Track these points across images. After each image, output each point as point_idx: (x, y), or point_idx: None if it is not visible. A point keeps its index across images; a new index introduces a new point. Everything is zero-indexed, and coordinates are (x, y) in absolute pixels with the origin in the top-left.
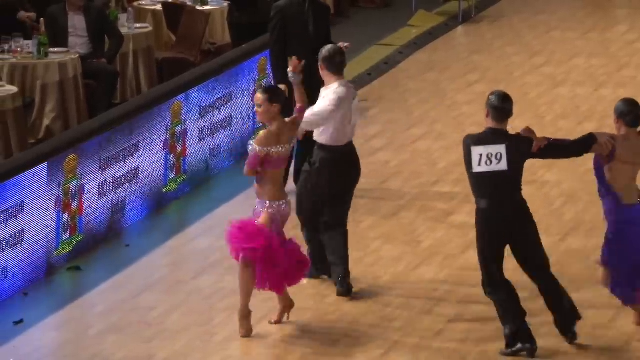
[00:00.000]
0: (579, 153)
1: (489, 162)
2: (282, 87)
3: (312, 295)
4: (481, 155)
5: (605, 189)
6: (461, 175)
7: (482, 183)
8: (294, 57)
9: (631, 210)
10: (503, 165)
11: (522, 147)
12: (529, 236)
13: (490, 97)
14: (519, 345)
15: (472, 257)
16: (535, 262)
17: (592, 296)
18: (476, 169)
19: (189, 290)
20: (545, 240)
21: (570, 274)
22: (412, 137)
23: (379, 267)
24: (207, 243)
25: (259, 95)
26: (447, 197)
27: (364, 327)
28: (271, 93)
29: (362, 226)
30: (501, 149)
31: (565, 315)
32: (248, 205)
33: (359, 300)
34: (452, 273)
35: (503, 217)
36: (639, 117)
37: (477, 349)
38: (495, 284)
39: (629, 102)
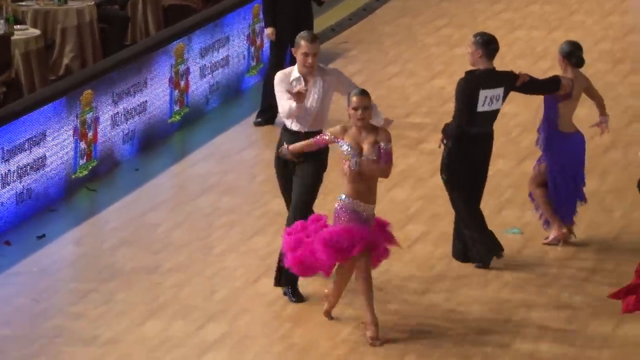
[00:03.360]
0: (551, 90)
1: (490, 102)
2: (269, 31)
3: None
4: (486, 97)
5: (549, 121)
6: (430, 108)
7: (481, 118)
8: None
9: (568, 137)
10: (499, 105)
11: (510, 83)
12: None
13: (477, 37)
14: (492, 256)
15: (440, 180)
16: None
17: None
18: (480, 109)
19: (190, 209)
20: (504, 165)
21: (525, 195)
22: (387, 74)
23: None
24: (206, 168)
25: (368, 100)
26: (418, 127)
27: None
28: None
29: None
30: (500, 91)
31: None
32: (243, 136)
33: None
34: (422, 194)
35: (488, 144)
36: (582, 58)
37: (444, 260)
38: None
39: (573, 44)
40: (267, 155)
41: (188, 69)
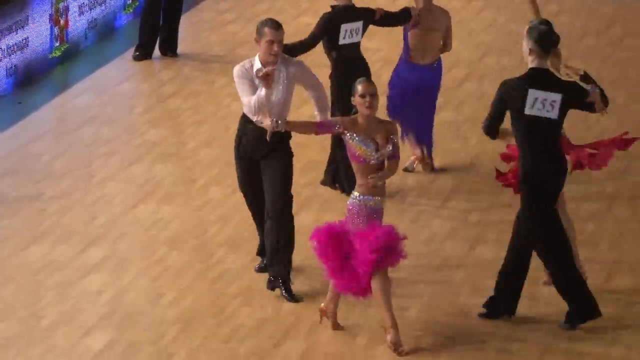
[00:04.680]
0: (404, 21)
1: (350, 35)
2: None
3: None
4: (346, 30)
5: (403, 51)
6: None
7: (344, 50)
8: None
9: (415, 68)
10: (359, 37)
11: (368, 17)
12: None
13: None
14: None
15: (305, 111)
16: None
17: None
18: (341, 41)
19: (72, 139)
20: None
21: None
22: (257, 12)
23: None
24: (86, 101)
25: (373, 86)
26: None
27: None
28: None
29: (215, 86)
30: (359, 25)
31: None
32: (120, 70)
33: None
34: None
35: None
36: None
37: (310, 187)
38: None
39: None
40: (144, 88)
41: (67, 6)
